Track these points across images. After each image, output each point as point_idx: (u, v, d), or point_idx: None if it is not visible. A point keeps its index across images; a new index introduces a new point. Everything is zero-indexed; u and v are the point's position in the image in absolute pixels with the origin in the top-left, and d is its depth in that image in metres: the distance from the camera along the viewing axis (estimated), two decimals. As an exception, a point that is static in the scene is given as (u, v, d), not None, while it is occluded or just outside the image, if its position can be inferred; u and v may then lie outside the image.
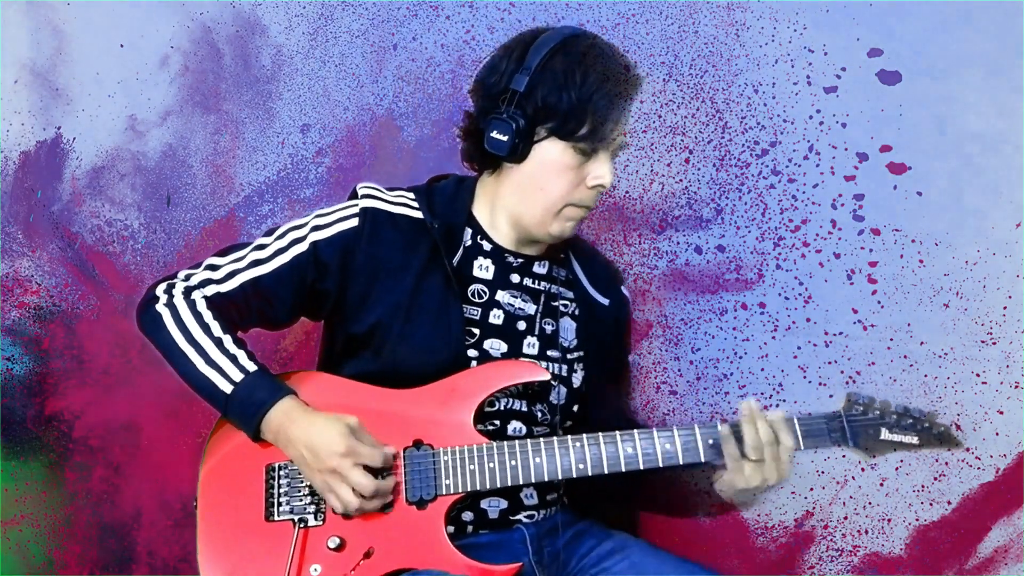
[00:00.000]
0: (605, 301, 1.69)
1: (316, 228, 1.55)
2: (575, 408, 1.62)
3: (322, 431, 1.42)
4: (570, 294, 1.66)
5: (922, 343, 1.96)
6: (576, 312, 1.65)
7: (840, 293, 1.98)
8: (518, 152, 1.49)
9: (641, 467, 1.45)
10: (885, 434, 1.47)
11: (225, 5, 2.12)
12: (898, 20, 1.93)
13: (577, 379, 1.62)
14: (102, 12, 2.15)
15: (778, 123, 1.99)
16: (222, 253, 1.59)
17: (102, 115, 2.16)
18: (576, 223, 1.57)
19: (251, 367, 1.48)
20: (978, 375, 1.95)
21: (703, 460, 1.46)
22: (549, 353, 1.60)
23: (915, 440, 1.48)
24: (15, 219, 2.19)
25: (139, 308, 1.56)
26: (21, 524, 2.19)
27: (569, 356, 1.62)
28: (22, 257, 2.19)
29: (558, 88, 1.46)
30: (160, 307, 1.52)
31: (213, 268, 1.57)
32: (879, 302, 1.97)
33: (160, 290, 1.55)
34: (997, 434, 1.95)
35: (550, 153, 1.50)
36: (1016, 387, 1.94)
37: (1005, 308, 1.94)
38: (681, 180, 2.03)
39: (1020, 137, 1.92)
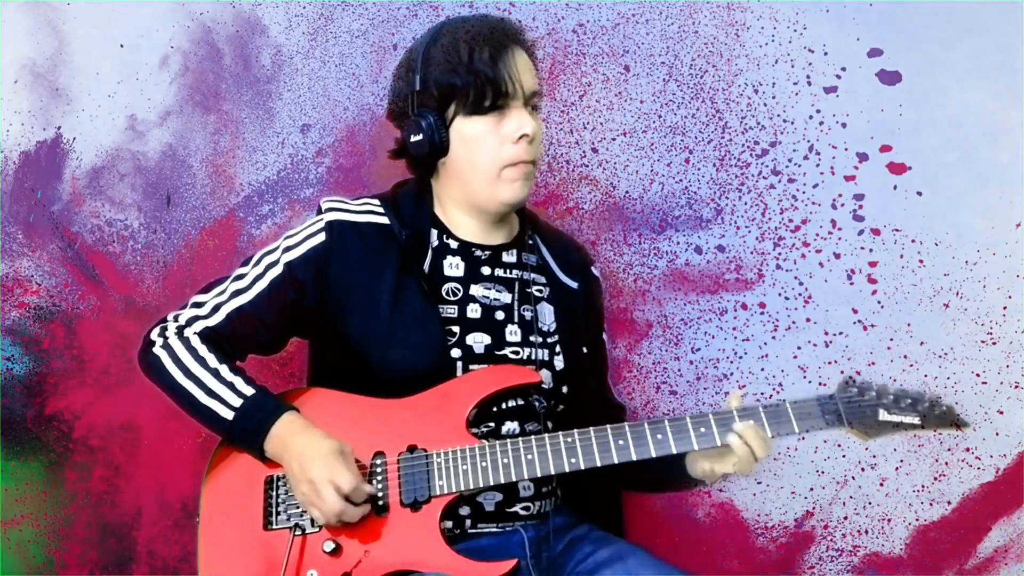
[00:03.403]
0: (574, 285, 1.71)
1: (287, 249, 1.59)
2: (563, 389, 1.64)
3: (314, 444, 1.45)
4: (543, 279, 1.68)
5: (922, 343, 1.96)
6: (550, 296, 1.68)
7: (840, 293, 1.98)
8: (438, 143, 1.54)
9: (634, 458, 1.46)
10: (884, 415, 1.45)
11: (225, 5, 2.12)
12: (898, 20, 1.94)
13: (560, 361, 1.63)
14: (102, 12, 2.15)
15: (778, 123, 1.99)
16: (205, 289, 1.64)
17: (102, 115, 2.16)
18: (526, 184, 1.58)
19: (249, 391, 1.52)
20: (978, 375, 1.95)
21: (696, 448, 1.46)
22: (531, 339, 1.62)
23: (916, 420, 1.45)
24: (15, 219, 2.19)
25: (139, 356, 1.61)
26: (21, 524, 2.19)
27: (549, 340, 1.64)
28: (22, 257, 2.19)
29: (443, 70, 1.52)
30: (157, 350, 1.57)
31: (198, 305, 1.61)
32: (879, 302, 1.97)
33: (155, 334, 1.60)
34: (997, 434, 1.95)
35: (465, 129, 1.54)
36: (1016, 387, 1.94)
37: (1005, 308, 1.94)
38: (681, 180, 2.03)
39: (1020, 137, 1.92)
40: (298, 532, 1.47)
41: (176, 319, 1.61)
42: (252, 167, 2.13)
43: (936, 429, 1.47)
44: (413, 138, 1.55)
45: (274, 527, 1.50)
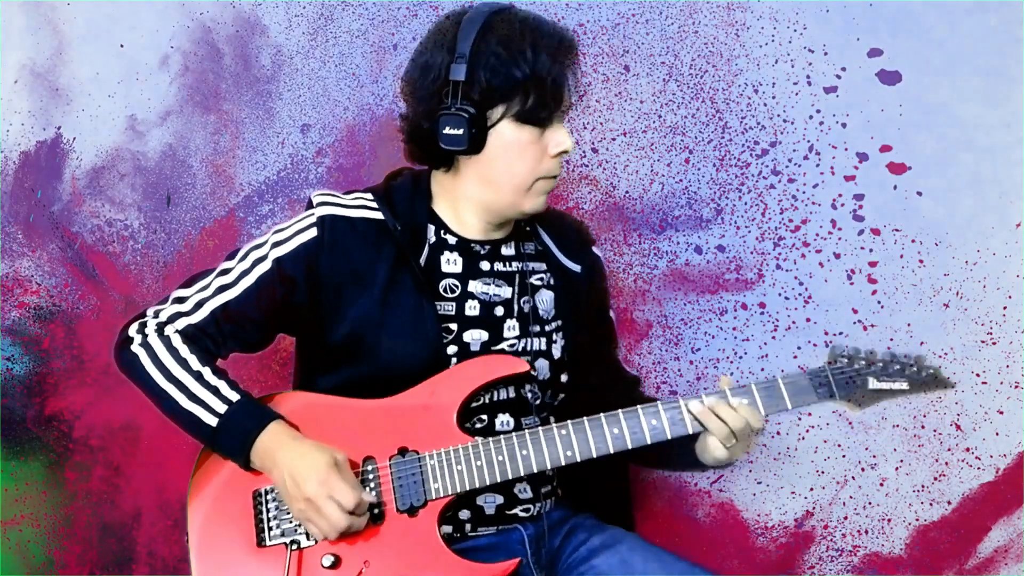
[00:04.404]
0: (577, 268, 1.66)
1: (276, 244, 1.53)
2: (562, 378, 1.61)
3: (306, 458, 1.40)
4: (543, 265, 1.64)
5: (922, 343, 1.96)
6: (551, 281, 1.63)
7: (840, 293, 1.98)
8: (475, 142, 1.46)
9: (629, 447, 1.44)
10: (873, 383, 1.45)
11: (225, 5, 2.12)
12: (898, 20, 1.94)
13: (557, 349, 1.60)
14: (102, 12, 2.15)
15: (778, 123, 1.99)
16: (187, 284, 1.57)
17: (102, 115, 2.16)
18: (547, 196, 1.55)
19: (234, 397, 1.47)
20: (978, 375, 1.95)
21: (690, 432, 1.45)
22: (530, 329, 1.58)
23: (905, 386, 1.45)
24: (15, 219, 2.19)
25: (115, 351, 1.55)
26: (21, 524, 2.19)
27: (547, 328, 1.60)
28: (22, 257, 2.19)
29: (501, 69, 1.43)
30: (136, 347, 1.51)
31: (181, 300, 1.54)
32: (879, 302, 1.97)
33: (133, 330, 1.53)
34: (997, 434, 1.95)
35: (508, 135, 1.47)
36: (1016, 387, 1.94)
37: (1005, 308, 1.94)
38: (681, 180, 2.03)
39: (1020, 137, 1.92)
40: (294, 547, 1.43)
41: (156, 315, 1.53)
42: (252, 167, 2.13)
43: (925, 391, 1.47)
44: (450, 130, 1.45)
45: (268, 543, 1.45)
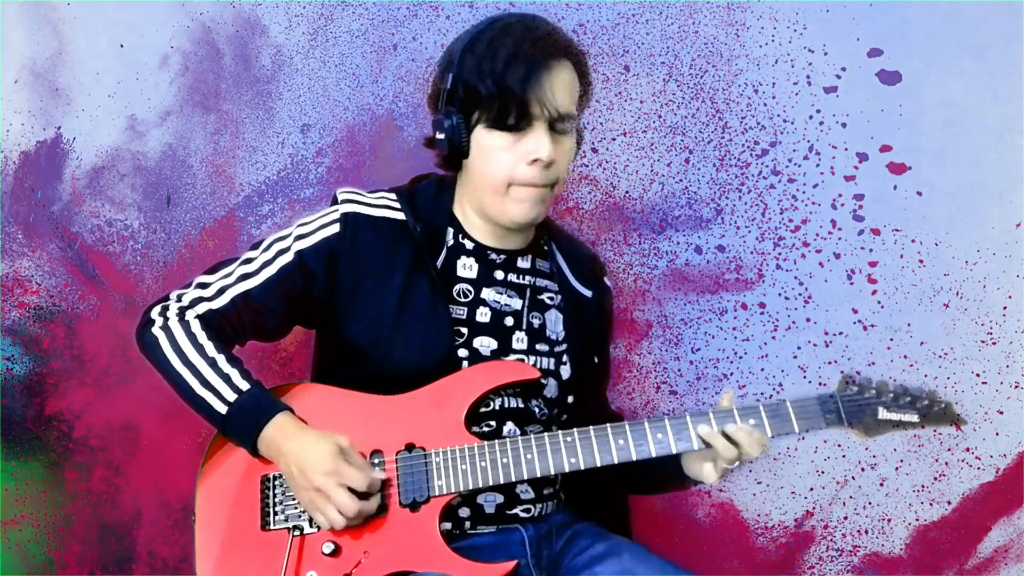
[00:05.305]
0: (588, 293, 1.69)
1: (299, 237, 1.57)
2: (569, 399, 1.63)
3: (311, 449, 1.43)
4: (555, 286, 1.66)
5: (922, 343, 1.96)
6: (562, 304, 1.66)
7: (840, 293, 1.98)
8: (459, 147, 1.52)
9: (634, 458, 1.45)
10: (883, 413, 1.44)
11: (225, 5, 2.12)
12: (898, 20, 1.94)
13: (566, 371, 1.62)
14: (102, 12, 2.15)
15: (778, 123, 1.99)
16: (211, 271, 1.61)
17: (102, 115, 2.16)
18: (536, 205, 1.54)
19: (244, 386, 1.50)
20: (978, 375, 1.95)
21: (695, 448, 1.45)
22: (538, 347, 1.60)
23: (915, 418, 1.44)
24: (15, 219, 2.19)
25: (137, 333, 1.59)
26: (21, 524, 2.19)
27: (557, 349, 1.63)
28: (22, 257, 2.19)
29: (475, 76, 1.48)
30: (156, 330, 1.54)
31: (203, 286, 1.58)
32: (879, 302, 1.97)
33: (155, 313, 1.57)
34: (997, 434, 1.95)
35: (483, 141, 1.51)
36: (1016, 387, 1.94)
37: (1005, 308, 1.94)
38: (681, 180, 2.03)
39: (1020, 137, 1.92)
40: (297, 533, 1.46)
41: (179, 299, 1.58)
42: (252, 167, 2.13)
43: (935, 426, 1.47)
44: (437, 135, 1.53)
45: (272, 527, 1.49)
